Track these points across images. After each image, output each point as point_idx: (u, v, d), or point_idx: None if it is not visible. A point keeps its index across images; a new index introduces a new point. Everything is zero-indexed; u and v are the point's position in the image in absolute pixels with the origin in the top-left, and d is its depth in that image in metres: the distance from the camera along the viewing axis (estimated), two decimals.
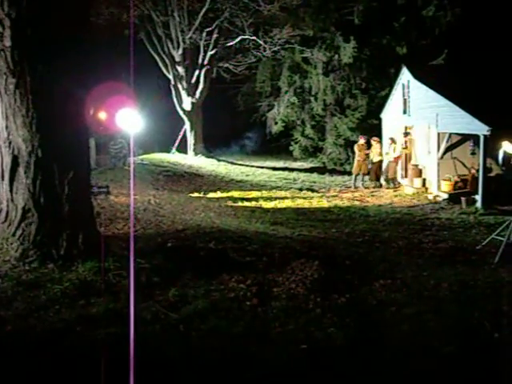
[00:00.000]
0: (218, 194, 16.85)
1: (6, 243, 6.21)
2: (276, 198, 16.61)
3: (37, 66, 5.83)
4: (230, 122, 31.60)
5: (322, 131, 29.11)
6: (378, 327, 5.67)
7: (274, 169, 25.42)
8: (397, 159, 21.14)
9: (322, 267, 7.34)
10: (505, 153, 14.83)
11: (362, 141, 21.44)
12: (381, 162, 21.38)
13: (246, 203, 15.38)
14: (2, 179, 6.31)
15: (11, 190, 6.14)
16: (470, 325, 5.75)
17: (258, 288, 6.48)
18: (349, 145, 26.88)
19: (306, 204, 16.25)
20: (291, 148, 29.73)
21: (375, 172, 21.37)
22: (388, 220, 14.45)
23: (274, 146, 31.79)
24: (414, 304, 6.41)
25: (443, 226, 14.36)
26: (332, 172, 25.71)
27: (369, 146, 21.56)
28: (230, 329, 5.25)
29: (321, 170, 25.83)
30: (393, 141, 21.54)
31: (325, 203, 16.66)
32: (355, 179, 21.00)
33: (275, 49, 23.84)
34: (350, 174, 22.76)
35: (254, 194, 17.18)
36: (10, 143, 6.03)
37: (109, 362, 4.31)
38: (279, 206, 15.49)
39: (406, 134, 21.18)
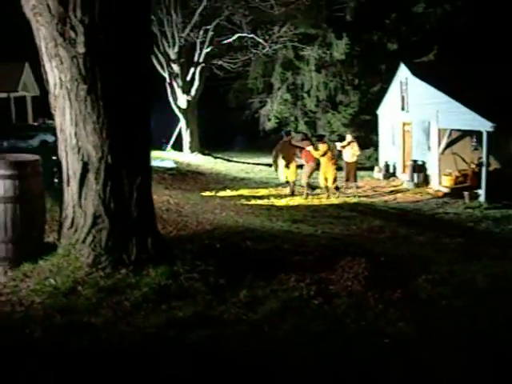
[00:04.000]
0: (228, 193, 16.97)
1: (73, 249, 6.23)
2: (285, 195, 16.77)
3: (108, 72, 5.87)
4: (221, 119, 31.66)
5: (314, 127, 29.33)
6: (438, 320, 5.82)
7: (271, 165, 25.48)
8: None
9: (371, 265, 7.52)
10: None
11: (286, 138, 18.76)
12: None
13: (259, 201, 15.54)
14: (68, 185, 6.33)
15: (80, 197, 6.16)
16: None
17: (317, 287, 6.60)
18: (341, 141, 27.15)
19: (315, 201, 16.43)
20: None
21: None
22: (399, 216, 14.70)
23: (266, 143, 31.89)
24: (460, 297, 6.57)
25: (453, 220, 14.65)
26: None
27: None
28: (309, 327, 5.36)
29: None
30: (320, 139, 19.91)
31: (333, 200, 16.87)
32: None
33: (276, 47, 23.94)
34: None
35: (263, 191, 17.35)
36: (79, 149, 6.05)
37: (212, 365, 4.42)
38: (291, 203, 15.67)
39: (322, 137, 19.55)
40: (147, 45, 6.50)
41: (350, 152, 20.01)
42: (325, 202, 16.34)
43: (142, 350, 4.65)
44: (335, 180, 17.77)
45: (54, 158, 8.82)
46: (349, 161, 20.15)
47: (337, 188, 17.87)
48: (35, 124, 18.49)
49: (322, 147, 17.58)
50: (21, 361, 4.41)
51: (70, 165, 6.23)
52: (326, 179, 17.69)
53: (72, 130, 6.06)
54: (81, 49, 5.73)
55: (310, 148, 17.50)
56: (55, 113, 6.31)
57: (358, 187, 20.08)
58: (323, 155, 17.47)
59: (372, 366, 4.61)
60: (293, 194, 17.47)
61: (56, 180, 10.89)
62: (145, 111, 6.38)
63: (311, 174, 17.77)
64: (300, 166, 18.48)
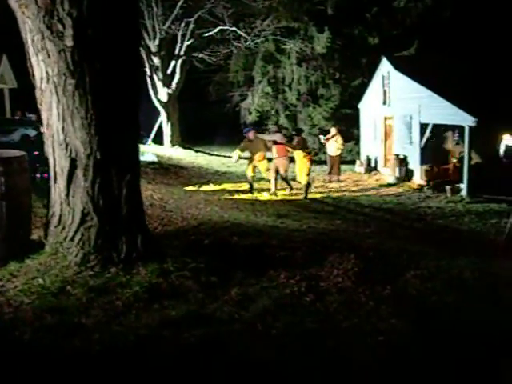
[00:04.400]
0: (212, 187, 16.88)
1: (61, 248, 6.10)
2: (268, 190, 16.70)
3: (96, 67, 5.74)
4: (201, 113, 31.50)
5: (295, 121, 29.32)
6: (430, 316, 5.82)
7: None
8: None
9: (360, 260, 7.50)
10: (507, 146, 15.38)
11: (250, 135, 17.35)
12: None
13: (242, 195, 15.48)
14: (55, 182, 6.20)
15: (68, 194, 6.02)
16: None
17: (307, 283, 6.56)
18: (323, 135, 27.26)
19: (298, 195, 16.40)
20: None
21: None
22: (383, 210, 14.73)
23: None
24: (449, 292, 6.59)
25: (436, 214, 14.77)
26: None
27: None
28: (303, 325, 5.32)
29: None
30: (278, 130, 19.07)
31: (316, 194, 16.86)
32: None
33: (258, 40, 23.83)
34: (326, 163, 22.48)
35: (246, 185, 17.22)
36: (66, 146, 5.92)
37: (209, 365, 4.36)
38: (274, 198, 15.61)
39: (299, 131, 18.09)
40: (136, 39, 6.41)
41: (335, 145, 20.08)
42: (308, 196, 16.31)
43: (136, 350, 4.57)
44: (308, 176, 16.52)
45: (36, 152, 8.63)
46: (333, 154, 20.22)
47: (308, 185, 16.64)
48: (16, 118, 18.16)
49: (298, 141, 16.58)
50: (11, 364, 4.30)
51: (58, 161, 6.10)
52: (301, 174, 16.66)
53: (59, 126, 5.93)
54: (69, 42, 5.60)
55: (282, 141, 16.49)
56: (41, 107, 6.17)
57: (339, 181, 20.13)
58: (300, 150, 16.46)
59: (369, 364, 4.59)
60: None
61: (38, 175, 10.73)
62: (133, 106, 6.27)
63: (286, 168, 16.80)
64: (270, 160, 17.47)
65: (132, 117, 6.27)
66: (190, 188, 16.40)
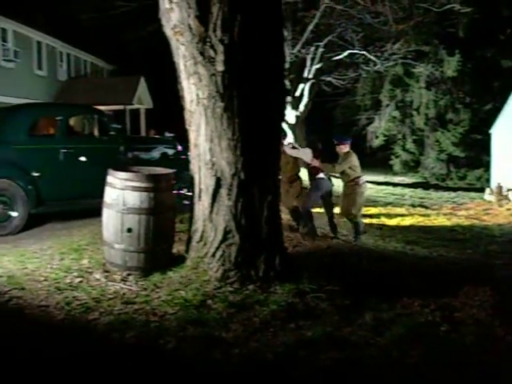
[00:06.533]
0: (337, 210, 16.79)
1: (202, 263, 6.38)
2: (396, 215, 16.45)
3: (244, 90, 6.01)
4: (327, 135, 31.62)
5: (422, 145, 28.76)
6: None
7: (377, 183, 25.12)
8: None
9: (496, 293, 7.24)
10: None
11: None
12: None
13: (368, 219, 15.30)
14: (199, 200, 6.50)
15: (211, 211, 6.31)
16: None
17: (441, 313, 6.42)
18: (451, 160, 26.64)
19: (426, 222, 16.06)
20: (391, 162, 29.51)
21: None
22: None
23: (373, 160, 31.55)
24: None
25: None
26: (435, 187, 25.27)
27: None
28: (440, 356, 5.21)
29: (424, 186, 25.38)
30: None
31: (445, 221, 16.43)
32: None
33: (388, 64, 23.67)
34: (454, 189, 21.96)
35: (372, 210, 17.05)
36: (213, 165, 6.21)
37: None
38: (402, 223, 15.36)
39: (344, 140, 11.58)
40: (281, 63, 6.61)
41: None
42: (437, 223, 15.93)
43: (273, 368, 4.68)
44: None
45: (173, 170, 9.06)
46: None
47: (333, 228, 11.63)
48: (156, 136, 19.14)
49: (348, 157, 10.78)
50: (156, 370, 4.54)
51: (203, 180, 6.40)
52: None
53: (207, 146, 6.24)
54: (219, 67, 5.90)
55: (315, 162, 10.81)
56: (190, 128, 6.53)
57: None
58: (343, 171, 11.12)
59: None
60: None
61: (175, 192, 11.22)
62: (277, 129, 6.50)
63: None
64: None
65: (275, 139, 6.49)
66: (315, 210, 16.42)
